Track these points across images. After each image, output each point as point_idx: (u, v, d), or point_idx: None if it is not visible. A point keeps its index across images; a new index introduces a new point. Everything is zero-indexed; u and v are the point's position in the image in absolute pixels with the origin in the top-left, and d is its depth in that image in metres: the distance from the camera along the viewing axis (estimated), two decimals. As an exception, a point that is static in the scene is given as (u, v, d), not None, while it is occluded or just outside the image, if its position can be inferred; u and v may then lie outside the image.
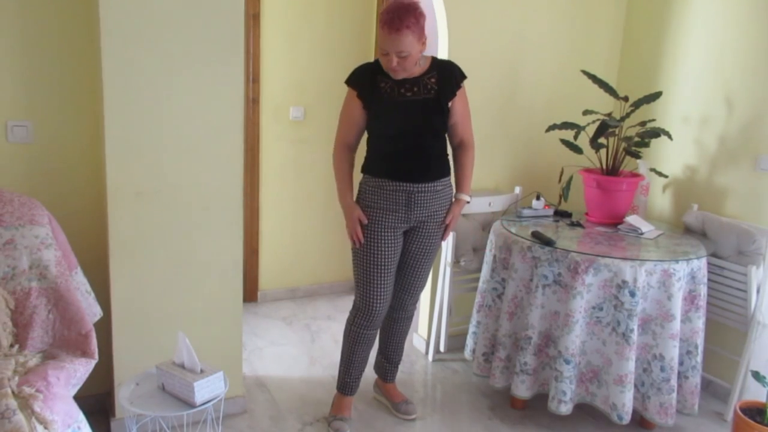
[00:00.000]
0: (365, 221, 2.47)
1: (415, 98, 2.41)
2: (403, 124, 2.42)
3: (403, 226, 2.50)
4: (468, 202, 2.63)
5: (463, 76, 2.50)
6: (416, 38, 2.28)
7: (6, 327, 1.88)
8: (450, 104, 2.46)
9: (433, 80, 2.43)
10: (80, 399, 1.92)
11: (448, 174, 2.55)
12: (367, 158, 2.54)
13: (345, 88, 2.52)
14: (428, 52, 2.49)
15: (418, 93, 2.41)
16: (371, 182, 2.48)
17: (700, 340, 2.65)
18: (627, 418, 2.54)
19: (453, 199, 2.59)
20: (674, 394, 2.57)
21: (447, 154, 2.55)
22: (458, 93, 2.47)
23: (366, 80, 2.43)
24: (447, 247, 3.15)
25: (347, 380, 2.68)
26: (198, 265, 2.50)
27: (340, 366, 2.69)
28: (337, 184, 2.54)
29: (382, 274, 2.50)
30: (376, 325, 2.61)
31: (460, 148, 2.59)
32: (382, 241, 2.47)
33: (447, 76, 2.45)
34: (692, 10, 3.18)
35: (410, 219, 2.49)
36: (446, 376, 3.18)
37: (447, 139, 2.55)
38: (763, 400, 2.49)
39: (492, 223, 3.16)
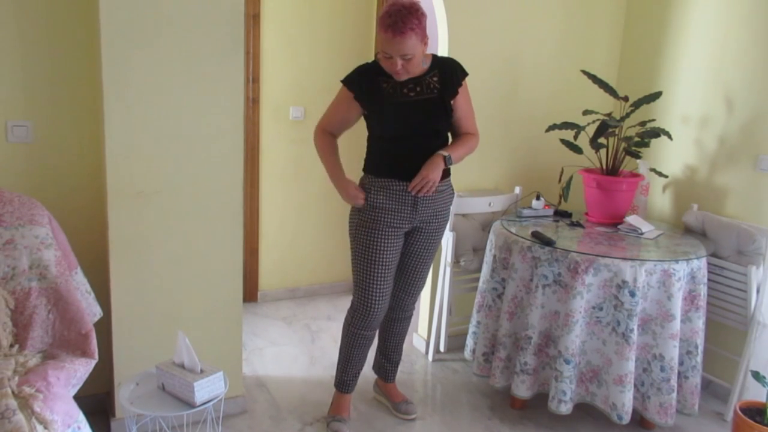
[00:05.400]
0: (362, 193, 2.46)
1: (418, 98, 2.40)
2: (407, 124, 2.40)
3: (406, 226, 2.49)
4: (445, 157, 2.40)
5: (464, 73, 2.49)
6: (419, 39, 2.26)
7: (6, 327, 1.88)
8: (453, 102, 2.45)
9: (435, 79, 2.42)
10: (80, 399, 1.92)
11: (448, 174, 2.55)
12: (369, 158, 2.53)
13: (344, 88, 2.51)
14: (428, 51, 2.49)
15: (421, 93, 2.40)
16: (377, 182, 2.46)
17: (700, 340, 2.65)
18: (627, 418, 2.54)
19: (453, 197, 2.60)
20: (674, 394, 2.57)
21: None
22: (461, 90, 2.46)
23: (366, 82, 2.42)
24: (447, 247, 3.15)
25: (345, 379, 2.68)
26: (198, 265, 2.50)
27: (338, 364, 2.69)
28: (326, 164, 2.53)
29: (382, 275, 2.49)
30: (374, 326, 2.60)
31: (464, 134, 2.56)
32: (385, 242, 2.46)
33: (449, 75, 2.44)
34: (692, 10, 3.18)
35: (414, 219, 2.48)
36: (446, 376, 3.18)
37: (449, 137, 2.55)
38: (763, 400, 2.49)
39: (492, 223, 3.16)
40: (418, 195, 2.42)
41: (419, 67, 2.37)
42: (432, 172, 2.38)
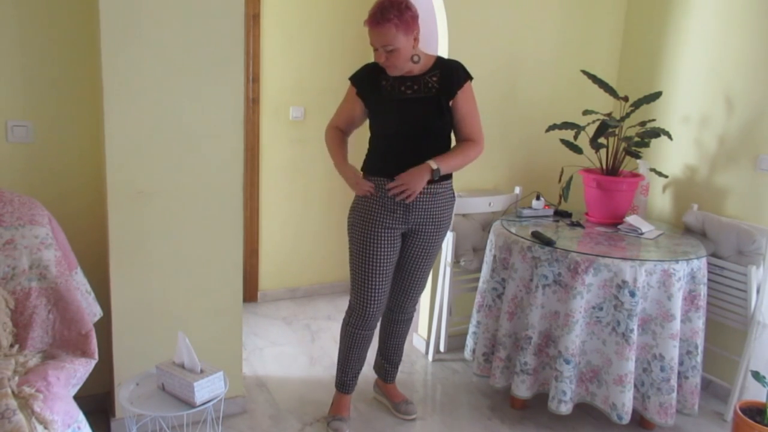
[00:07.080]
0: (367, 182, 2.45)
1: (415, 97, 2.39)
2: (402, 122, 2.40)
3: (401, 227, 2.48)
4: (434, 169, 2.35)
5: (467, 76, 2.47)
6: (402, 32, 2.26)
7: (6, 327, 1.88)
8: (451, 104, 2.44)
9: (434, 79, 2.41)
10: (80, 399, 1.92)
11: (449, 177, 2.53)
12: (366, 157, 2.53)
13: (344, 88, 2.52)
14: (430, 52, 2.49)
15: (419, 91, 2.40)
16: (370, 181, 2.46)
17: (700, 340, 2.65)
18: (627, 418, 2.54)
19: (454, 200, 2.58)
20: (674, 394, 2.57)
21: None
22: (461, 92, 2.43)
23: (368, 78, 2.44)
24: (447, 247, 3.15)
25: (344, 379, 2.68)
26: (198, 265, 2.50)
27: (338, 365, 2.69)
28: (331, 153, 2.56)
29: (379, 275, 2.49)
30: (372, 326, 2.60)
31: (465, 141, 2.52)
32: (380, 242, 2.45)
33: (449, 75, 2.42)
34: (692, 11, 3.18)
35: (408, 220, 2.47)
36: (446, 376, 3.18)
37: (451, 140, 2.53)
38: (763, 400, 2.49)
39: (492, 223, 3.16)
40: (396, 199, 2.40)
41: (408, 62, 2.35)
42: (412, 180, 2.35)
